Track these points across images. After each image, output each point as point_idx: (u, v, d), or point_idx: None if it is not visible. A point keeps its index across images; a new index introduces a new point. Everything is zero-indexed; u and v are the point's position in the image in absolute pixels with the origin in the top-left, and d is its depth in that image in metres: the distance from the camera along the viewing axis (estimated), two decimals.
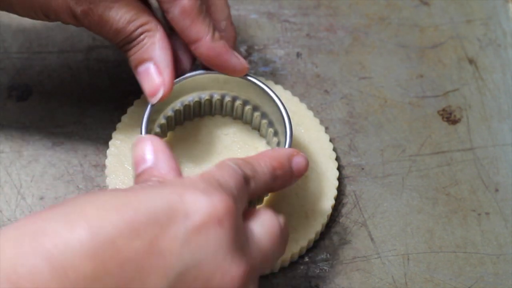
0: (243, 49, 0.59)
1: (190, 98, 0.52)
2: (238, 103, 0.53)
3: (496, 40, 0.61)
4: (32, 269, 0.34)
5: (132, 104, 0.55)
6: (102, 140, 0.54)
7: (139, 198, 0.37)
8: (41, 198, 0.52)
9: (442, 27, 0.62)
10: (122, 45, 0.49)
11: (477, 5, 0.63)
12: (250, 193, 0.43)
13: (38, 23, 0.59)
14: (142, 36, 0.49)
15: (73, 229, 0.35)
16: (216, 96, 0.53)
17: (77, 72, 0.57)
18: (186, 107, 0.53)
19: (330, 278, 0.51)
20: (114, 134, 0.53)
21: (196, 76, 0.51)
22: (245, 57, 0.59)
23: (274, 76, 0.58)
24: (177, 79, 0.50)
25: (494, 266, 0.52)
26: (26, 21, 0.59)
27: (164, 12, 0.49)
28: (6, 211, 0.52)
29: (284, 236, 0.43)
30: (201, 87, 0.52)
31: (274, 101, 0.51)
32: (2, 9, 0.48)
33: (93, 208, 0.36)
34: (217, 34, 0.50)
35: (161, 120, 0.52)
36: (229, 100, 0.53)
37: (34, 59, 0.58)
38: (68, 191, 0.53)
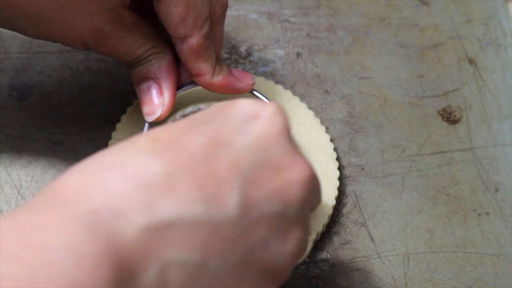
0: (243, 49, 0.59)
1: (189, 109, 0.53)
2: None
3: (496, 40, 0.61)
4: (102, 180, 0.34)
5: (132, 104, 0.55)
6: (102, 140, 0.54)
7: (194, 115, 0.39)
8: None
9: (442, 27, 0.62)
10: (128, 64, 0.50)
11: (477, 5, 0.63)
12: None
13: None
14: (151, 57, 0.50)
15: (136, 142, 0.36)
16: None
17: (77, 72, 0.57)
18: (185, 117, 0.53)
19: (330, 278, 0.51)
20: (113, 134, 0.53)
21: (196, 88, 0.52)
22: (245, 57, 0.59)
23: (274, 76, 0.58)
24: (177, 92, 0.51)
25: (494, 266, 0.52)
26: None
27: (174, 43, 0.50)
28: (6, 211, 0.52)
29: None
30: (199, 99, 0.53)
31: None
32: (14, 30, 0.49)
33: (151, 132, 0.37)
34: (217, 68, 0.51)
35: None
36: None
37: (34, 59, 0.58)
38: None
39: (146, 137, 0.36)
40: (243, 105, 0.39)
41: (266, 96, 0.53)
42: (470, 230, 0.54)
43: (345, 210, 0.54)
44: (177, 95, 0.51)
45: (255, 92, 0.52)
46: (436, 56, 0.60)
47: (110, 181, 0.34)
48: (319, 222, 0.51)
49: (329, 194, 0.52)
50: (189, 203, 0.35)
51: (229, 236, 0.36)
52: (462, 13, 0.63)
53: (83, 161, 0.36)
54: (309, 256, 0.52)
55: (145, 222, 0.34)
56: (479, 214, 0.54)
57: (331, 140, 0.55)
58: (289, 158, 0.38)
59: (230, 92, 0.52)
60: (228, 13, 0.60)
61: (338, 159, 0.55)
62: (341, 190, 0.54)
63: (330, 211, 0.52)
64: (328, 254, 0.52)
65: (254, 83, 0.52)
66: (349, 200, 0.54)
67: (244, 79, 0.52)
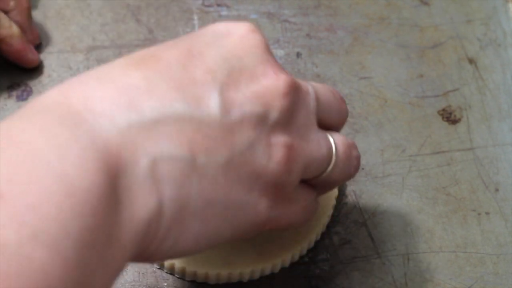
0: None
1: None
2: None
3: (496, 40, 0.61)
4: (83, 89, 0.35)
5: None
6: None
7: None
8: None
9: (442, 27, 0.62)
10: None
11: (477, 5, 0.63)
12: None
13: (38, 23, 0.59)
14: None
15: (113, 65, 0.37)
16: None
17: (77, 72, 0.57)
18: None
19: (330, 278, 0.51)
20: None
21: None
22: None
23: None
24: None
25: (494, 266, 0.52)
26: None
27: None
28: None
29: (338, 95, 0.45)
30: None
31: None
32: None
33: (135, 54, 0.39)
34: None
35: None
36: None
37: None
38: None
39: (122, 57, 0.38)
40: (217, 24, 0.40)
41: None
42: (470, 230, 0.54)
43: (345, 210, 0.54)
44: None
45: None
46: (436, 56, 0.60)
47: (90, 87, 0.35)
48: (319, 222, 0.51)
49: (329, 194, 0.52)
50: (170, 102, 0.36)
51: (213, 134, 0.36)
52: (462, 13, 0.63)
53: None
54: (309, 256, 0.52)
55: (129, 120, 0.34)
56: (479, 214, 0.54)
57: None
58: (265, 67, 0.39)
59: (21, 61, 0.56)
60: (228, 13, 0.61)
61: None
62: (341, 190, 0.54)
63: (330, 210, 0.52)
64: (328, 254, 0.52)
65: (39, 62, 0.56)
66: (349, 200, 0.54)
67: (35, 53, 0.56)
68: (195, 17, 0.60)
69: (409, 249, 0.53)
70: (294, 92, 0.40)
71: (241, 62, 0.39)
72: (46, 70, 0.57)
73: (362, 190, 0.55)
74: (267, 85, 0.39)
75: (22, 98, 0.56)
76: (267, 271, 0.50)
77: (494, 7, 0.63)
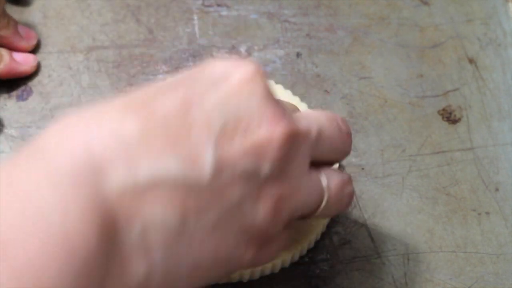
0: (243, 49, 0.59)
1: None
2: None
3: (496, 40, 0.61)
4: (82, 137, 0.34)
5: None
6: None
7: (166, 80, 0.39)
8: None
9: (442, 27, 0.62)
10: None
11: (477, 4, 0.63)
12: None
13: (38, 23, 0.59)
14: None
15: (111, 104, 0.36)
16: None
17: (77, 72, 0.57)
18: None
19: (330, 278, 0.51)
20: None
21: None
22: (245, 57, 0.59)
23: (274, 76, 0.58)
24: None
25: (494, 265, 0.52)
26: (26, 22, 0.59)
27: None
28: None
29: (344, 127, 0.44)
30: None
31: None
32: None
33: (127, 95, 0.38)
34: None
35: None
36: None
37: None
38: None
39: (120, 98, 0.37)
40: (215, 66, 0.39)
41: None
42: (470, 229, 0.54)
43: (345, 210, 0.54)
44: None
45: None
46: (436, 56, 0.60)
47: (91, 135, 0.35)
48: (319, 222, 0.51)
49: None
50: (166, 163, 0.35)
51: (204, 195, 0.36)
52: (462, 13, 0.63)
53: (63, 114, 0.37)
54: (309, 256, 0.52)
55: (126, 182, 0.34)
56: (479, 214, 0.54)
57: None
58: (261, 118, 0.38)
59: (16, 76, 0.56)
60: (228, 13, 0.61)
61: None
62: None
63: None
64: (328, 254, 0.52)
65: (37, 64, 0.57)
66: None
67: (27, 62, 0.56)
68: (195, 17, 0.60)
69: (409, 249, 0.53)
70: (290, 142, 0.39)
71: (237, 113, 0.38)
72: (46, 70, 0.57)
73: (362, 190, 0.55)
74: (262, 138, 0.38)
75: (22, 98, 0.56)
76: (267, 271, 0.50)
77: (494, 7, 0.63)
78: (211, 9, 0.61)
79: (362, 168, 0.55)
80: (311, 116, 0.42)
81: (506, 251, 0.53)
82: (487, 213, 0.54)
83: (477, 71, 0.60)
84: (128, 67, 0.58)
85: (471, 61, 0.60)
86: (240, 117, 0.37)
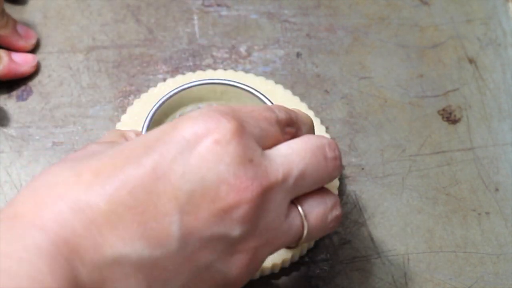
0: (243, 49, 0.59)
1: (189, 108, 0.53)
2: None
3: (496, 40, 0.61)
4: (54, 213, 0.36)
5: (132, 104, 0.55)
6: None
7: (134, 140, 0.39)
8: None
9: (442, 27, 0.62)
10: None
11: (477, 4, 0.63)
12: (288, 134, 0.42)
13: (37, 23, 0.59)
14: None
15: (80, 177, 0.37)
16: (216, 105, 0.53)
17: (77, 72, 0.57)
18: None
19: (330, 278, 0.51)
20: (118, 125, 0.53)
21: (193, 87, 0.52)
22: (245, 57, 0.59)
23: (274, 76, 0.58)
24: (175, 90, 0.51)
25: (494, 265, 0.52)
26: (26, 22, 0.59)
27: None
28: None
29: (331, 155, 0.42)
30: (199, 98, 0.53)
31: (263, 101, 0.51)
32: None
33: (93, 160, 0.38)
34: None
35: None
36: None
37: None
38: None
39: (89, 171, 0.37)
40: (185, 128, 0.38)
41: (267, 96, 0.52)
42: (470, 229, 0.54)
43: (345, 210, 0.54)
44: (175, 94, 0.51)
45: (255, 93, 0.52)
46: (436, 56, 0.60)
47: (62, 215, 0.36)
48: None
49: None
50: (131, 241, 0.36)
51: (171, 266, 0.37)
52: (462, 13, 0.63)
53: (33, 183, 0.38)
54: (309, 256, 0.52)
55: (95, 261, 0.36)
56: (479, 214, 0.54)
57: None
58: (229, 185, 0.38)
59: (16, 77, 0.56)
60: (228, 13, 0.61)
61: None
62: (341, 190, 0.54)
63: None
64: (328, 254, 0.52)
65: (36, 64, 0.57)
66: (349, 200, 0.54)
67: (26, 63, 0.56)
68: (195, 17, 0.60)
69: (409, 249, 0.53)
70: (261, 201, 0.39)
71: (204, 182, 0.37)
72: (46, 70, 0.57)
73: (362, 190, 0.55)
74: (230, 204, 0.38)
75: (22, 98, 0.56)
76: (267, 271, 0.50)
77: (494, 7, 0.63)
78: (211, 9, 0.61)
79: (362, 168, 0.55)
80: (293, 156, 0.41)
81: (506, 251, 0.53)
82: (487, 213, 0.54)
83: (477, 71, 0.60)
84: (128, 67, 0.58)
85: (471, 61, 0.60)
86: (207, 186, 0.37)
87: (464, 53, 0.61)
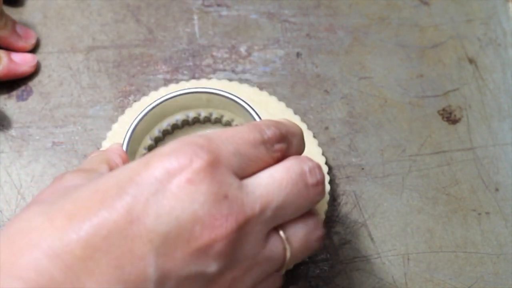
0: (243, 49, 0.59)
1: (177, 117, 0.53)
2: (225, 119, 0.53)
3: (496, 40, 0.61)
4: (31, 261, 0.36)
5: (131, 106, 0.55)
6: (102, 140, 0.54)
7: (107, 177, 0.39)
8: None
9: (442, 27, 0.62)
10: None
11: (477, 4, 0.63)
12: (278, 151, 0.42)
13: (37, 23, 0.59)
14: None
15: (54, 222, 0.37)
16: (204, 114, 0.53)
17: (77, 72, 0.57)
18: (174, 125, 0.53)
19: (330, 278, 0.51)
20: (109, 134, 0.53)
21: (179, 96, 0.51)
22: (245, 57, 0.59)
23: (274, 76, 0.58)
24: (161, 99, 0.51)
25: (494, 265, 0.52)
26: (26, 22, 0.59)
27: None
28: (6, 211, 0.52)
29: (313, 180, 0.42)
30: (186, 106, 0.52)
31: (253, 117, 0.50)
32: None
33: (66, 202, 0.38)
34: None
35: (148, 141, 0.52)
36: (216, 117, 0.53)
37: None
38: None
39: (63, 215, 0.37)
40: (156, 168, 0.38)
41: (257, 112, 0.51)
42: (470, 229, 0.54)
43: (345, 210, 0.54)
44: (161, 103, 0.51)
45: (246, 107, 0.51)
46: (436, 56, 0.60)
47: (40, 262, 0.36)
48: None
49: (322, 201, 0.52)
50: (109, 286, 0.36)
51: None
52: (462, 13, 0.63)
53: (7, 230, 0.38)
54: (309, 256, 0.52)
55: None
56: (479, 214, 0.54)
57: (331, 140, 0.55)
58: (202, 224, 0.38)
59: (16, 77, 0.56)
60: (228, 13, 0.61)
61: (337, 159, 0.55)
62: (341, 190, 0.54)
63: (325, 207, 0.51)
64: (328, 254, 0.52)
65: (36, 63, 0.57)
66: (349, 200, 0.54)
67: (25, 63, 0.56)
68: (195, 17, 0.60)
69: (409, 249, 0.53)
70: (237, 235, 0.39)
71: (178, 222, 0.37)
72: (46, 70, 0.57)
73: (362, 190, 0.55)
74: (205, 242, 0.38)
75: (22, 98, 0.56)
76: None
77: (494, 7, 0.63)
78: (211, 9, 0.61)
79: (362, 168, 0.55)
80: (273, 186, 0.40)
81: (506, 251, 0.53)
82: (487, 213, 0.54)
83: (477, 71, 0.60)
84: (128, 67, 0.58)
85: (471, 61, 0.60)
86: (182, 226, 0.37)
87: (464, 53, 0.61)
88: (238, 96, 0.51)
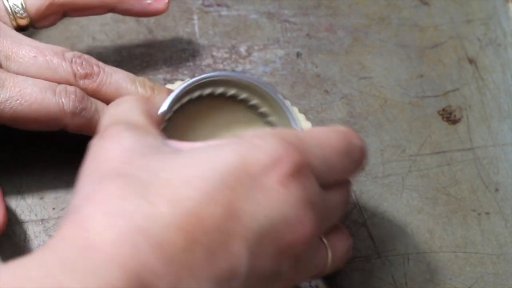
0: (243, 49, 0.59)
1: (207, 91, 0.51)
2: (252, 103, 0.52)
3: (496, 40, 0.61)
4: (134, 248, 0.34)
5: None
6: None
7: (203, 162, 0.38)
8: (41, 198, 0.52)
9: (442, 27, 0.62)
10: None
11: (477, 5, 0.63)
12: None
13: None
14: None
15: (155, 205, 0.35)
16: (231, 91, 0.51)
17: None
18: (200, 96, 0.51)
19: (330, 278, 0.51)
20: None
21: (209, 78, 0.50)
22: (245, 57, 0.59)
23: (274, 76, 0.58)
24: (195, 79, 0.49)
25: (494, 266, 0.52)
26: None
27: None
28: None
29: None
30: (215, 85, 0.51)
31: (284, 111, 0.50)
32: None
33: (161, 182, 0.36)
34: None
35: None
36: (244, 97, 0.52)
37: None
38: (68, 191, 0.53)
39: (164, 200, 0.36)
40: (254, 165, 0.38)
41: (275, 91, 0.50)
42: (470, 230, 0.54)
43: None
44: (195, 83, 0.50)
45: (262, 85, 0.50)
46: (436, 56, 0.60)
47: (141, 253, 0.34)
48: None
49: None
50: (203, 283, 0.35)
51: None
52: (462, 13, 0.63)
53: (99, 203, 0.36)
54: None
55: None
56: (479, 214, 0.54)
57: None
58: (292, 223, 0.38)
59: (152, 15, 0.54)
60: (228, 13, 0.61)
61: None
62: None
63: None
64: None
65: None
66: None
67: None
68: (195, 17, 0.60)
69: (409, 249, 0.53)
70: (312, 240, 0.39)
71: (271, 221, 0.38)
72: None
73: (362, 190, 0.55)
74: (287, 244, 0.38)
75: None
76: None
77: (494, 7, 0.63)
78: (211, 9, 0.61)
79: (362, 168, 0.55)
80: (338, 197, 0.43)
81: (506, 251, 0.53)
82: (487, 213, 0.54)
83: (477, 71, 0.60)
84: (128, 67, 0.58)
85: (471, 61, 0.60)
86: (272, 226, 0.37)
87: (464, 53, 0.61)
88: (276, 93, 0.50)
